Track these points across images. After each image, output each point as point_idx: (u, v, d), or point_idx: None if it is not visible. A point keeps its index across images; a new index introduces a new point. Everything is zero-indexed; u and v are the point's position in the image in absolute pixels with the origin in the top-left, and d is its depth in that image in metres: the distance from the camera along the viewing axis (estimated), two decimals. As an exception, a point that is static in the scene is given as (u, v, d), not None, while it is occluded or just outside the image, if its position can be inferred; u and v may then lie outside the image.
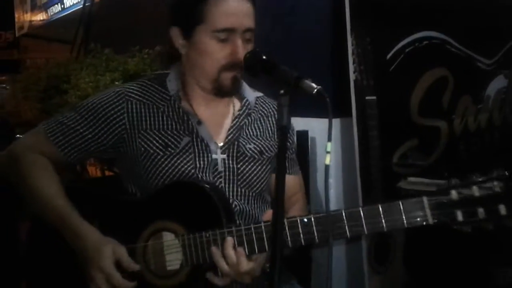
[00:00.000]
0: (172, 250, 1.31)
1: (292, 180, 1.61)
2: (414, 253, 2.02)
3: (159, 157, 1.42)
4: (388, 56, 2.05)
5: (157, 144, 1.43)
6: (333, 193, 2.09)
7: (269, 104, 1.62)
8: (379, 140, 1.95)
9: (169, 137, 1.44)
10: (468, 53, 2.29)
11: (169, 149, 1.43)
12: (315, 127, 2.12)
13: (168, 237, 1.33)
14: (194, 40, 1.42)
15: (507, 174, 0.87)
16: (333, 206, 2.05)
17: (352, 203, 2.02)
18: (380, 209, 1.05)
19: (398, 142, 2.07)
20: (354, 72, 1.91)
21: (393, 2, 2.02)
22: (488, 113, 2.36)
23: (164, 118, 1.46)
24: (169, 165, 1.42)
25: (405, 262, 2.02)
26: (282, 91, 1.07)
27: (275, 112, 1.56)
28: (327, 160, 1.05)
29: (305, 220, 1.16)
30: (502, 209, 0.88)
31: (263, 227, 1.24)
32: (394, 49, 2.05)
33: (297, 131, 2.14)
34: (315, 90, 1.09)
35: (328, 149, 1.06)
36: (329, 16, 2.02)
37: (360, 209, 1.10)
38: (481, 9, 2.28)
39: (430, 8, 2.13)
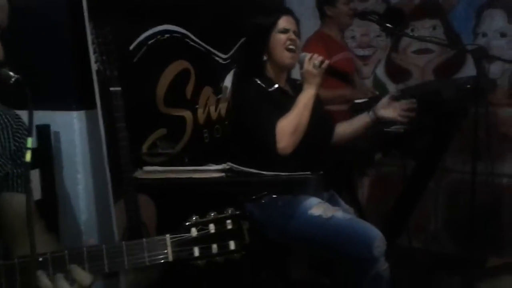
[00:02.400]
0: None
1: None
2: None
3: None
4: (131, 47, 2.06)
5: None
6: (83, 188, 2.00)
7: (4, 116, 1.24)
8: (127, 131, 1.94)
9: None
10: (207, 47, 2.48)
11: None
12: (58, 120, 1.98)
13: None
14: None
15: (237, 213, 0.98)
16: (83, 201, 2.02)
17: (102, 197, 1.97)
18: (124, 247, 1.03)
19: (147, 132, 2.11)
20: (96, 62, 1.86)
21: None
22: (226, 103, 2.61)
23: None
24: None
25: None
26: None
27: (10, 125, 1.21)
28: (28, 157, 0.99)
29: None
30: (232, 245, 1.00)
31: None
32: (137, 41, 2.08)
33: (38, 126, 1.98)
34: (13, 79, 1.00)
35: (29, 145, 1.00)
36: (66, 3, 1.90)
37: (103, 246, 1.04)
38: (217, 6, 2.50)
39: (171, 2, 2.23)
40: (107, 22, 1.88)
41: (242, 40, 2.71)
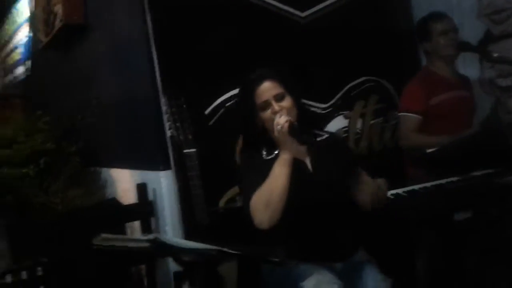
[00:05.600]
0: None
1: None
2: None
3: None
4: (207, 111, 2.28)
5: None
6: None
7: None
8: (202, 189, 2.13)
9: None
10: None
11: None
12: (152, 179, 2.33)
13: None
14: None
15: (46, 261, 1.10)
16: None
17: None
18: None
19: (224, 189, 2.27)
20: (169, 129, 2.13)
21: (206, 65, 2.25)
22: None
23: None
24: None
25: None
26: None
27: None
28: None
29: None
30: None
31: None
32: (213, 105, 2.29)
33: (138, 184, 2.37)
34: None
35: None
36: (148, 80, 2.25)
37: None
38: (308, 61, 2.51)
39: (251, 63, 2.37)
40: (180, 92, 2.14)
41: (346, 87, 2.68)
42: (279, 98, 1.65)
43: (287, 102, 1.65)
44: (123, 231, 2.32)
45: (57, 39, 3.34)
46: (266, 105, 1.65)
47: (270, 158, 1.66)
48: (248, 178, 1.63)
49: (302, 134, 1.56)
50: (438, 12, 2.37)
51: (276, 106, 1.62)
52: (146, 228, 2.34)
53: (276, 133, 1.58)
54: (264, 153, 1.70)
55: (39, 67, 4.37)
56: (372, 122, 2.71)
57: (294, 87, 1.71)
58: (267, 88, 1.65)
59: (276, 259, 1.31)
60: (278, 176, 1.55)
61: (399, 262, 2.03)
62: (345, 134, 2.66)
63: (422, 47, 2.40)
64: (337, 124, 2.64)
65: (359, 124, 2.68)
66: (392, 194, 1.81)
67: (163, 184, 2.27)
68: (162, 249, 1.21)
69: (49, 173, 2.64)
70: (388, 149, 2.70)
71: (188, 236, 2.16)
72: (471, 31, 2.71)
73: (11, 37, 5.55)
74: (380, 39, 2.73)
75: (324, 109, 2.61)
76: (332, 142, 1.80)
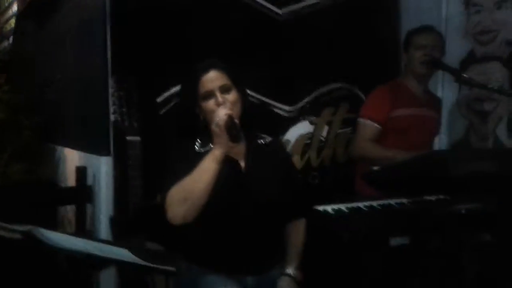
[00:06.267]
0: None
1: None
2: None
3: None
4: (160, 99, 2.15)
5: None
6: (103, 228, 2.14)
7: None
8: (142, 180, 2.00)
9: None
10: (263, 100, 2.38)
11: None
12: (95, 163, 2.20)
13: None
14: None
15: None
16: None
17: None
18: None
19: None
20: (113, 114, 2.00)
21: (167, 52, 2.12)
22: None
23: None
24: None
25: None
26: None
27: None
28: None
29: None
30: None
31: None
32: (167, 94, 2.15)
33: (76, 167, 2.24)
34: None
35: None
36: (99, 59, 2.12)
37: None
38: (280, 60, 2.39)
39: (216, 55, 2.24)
40: (132, 76, 2.00)
41: (317, 92, 2.55)
42: (224, 90, 1.52)
43: (232, 96, 1.52)
44: (55, 214, 2.19)
45: (31, 8, 3.22)
46: (210, 95, 1.52)
47: (203, 152, 1.52)
48: (173, 168, 1.50)
49: (238, 131, 1.43)
50: (426, 26, 2.23)
51: (220, 97, 1.50)
52: (80, 214, 2.22)
53: (213, 126, 1.46)
54: (197, 145, 1.58)
55: (17, 36, 4.25)
56: (339, 131, 2.60)
57: (241, 82, 1.59)
58: (213, 78, 1.53)
59: (170, 269, 1.17)
60: (205, 171, 1.42)
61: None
62: (308, 141, 2.54)
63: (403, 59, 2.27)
64: (301, 129, 2.52)
65: (324, 131, 2.56)
66: (333, 209, 1.68)
67: (102, 170, 2.14)
68: (36, 243, 1.08)
69: (-6, 144, 2.51)
70: (352, 162, 2.57)
71: (117, 228, 2.03)
72: (456, 50, 2.58)
73: (11, 3, 5.45)
74: (361, 47, 2.60)
75: (288, 111, 2.49)
76: (273, 148, 1.67)
